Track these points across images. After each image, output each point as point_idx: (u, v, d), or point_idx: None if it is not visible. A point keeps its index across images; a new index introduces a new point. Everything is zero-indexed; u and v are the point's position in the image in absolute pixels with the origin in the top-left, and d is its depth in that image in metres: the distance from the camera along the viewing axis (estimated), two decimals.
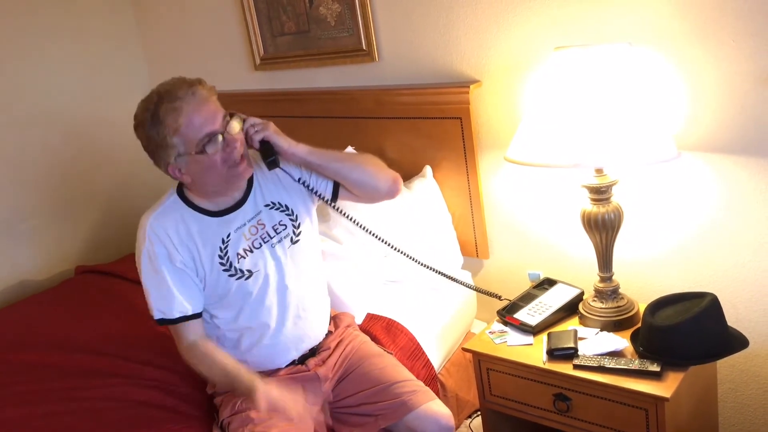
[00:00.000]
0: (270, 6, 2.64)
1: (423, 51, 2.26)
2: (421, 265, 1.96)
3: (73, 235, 3.07)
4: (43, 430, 1.71)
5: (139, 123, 1.55)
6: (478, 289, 2.13)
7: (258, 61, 2.78)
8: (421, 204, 2.23)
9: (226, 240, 1.65)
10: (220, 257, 1.65)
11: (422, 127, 2.29)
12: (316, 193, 1.74)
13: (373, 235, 1.89)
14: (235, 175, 1.60)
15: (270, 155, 1.62)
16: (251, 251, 1.68)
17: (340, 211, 1.81)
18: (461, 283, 2.05)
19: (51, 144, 2.96)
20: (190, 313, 1.65)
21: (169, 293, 1.63)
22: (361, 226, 1.87)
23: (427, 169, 2.31)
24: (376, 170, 1.74)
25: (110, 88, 3.16)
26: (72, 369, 1.97)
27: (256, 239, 1.68)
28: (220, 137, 1.54)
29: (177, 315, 1.64)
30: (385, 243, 1.90)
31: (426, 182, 2.28)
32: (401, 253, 1.94)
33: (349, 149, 2.37)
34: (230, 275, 1.66)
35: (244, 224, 1.68)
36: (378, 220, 2.03)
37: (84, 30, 3.08)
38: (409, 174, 2.36)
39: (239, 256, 1.66)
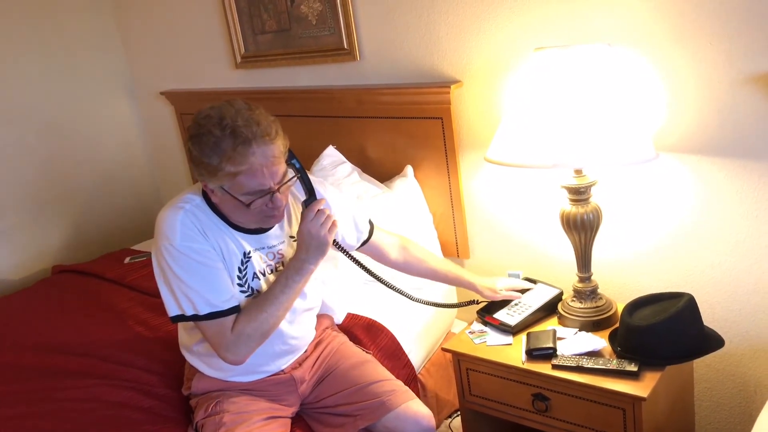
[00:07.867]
0: (251, 4, 2.62)
1: (404, 51, 2.25)
2: (395, 290, 1.83)
3: (51, 234, 3.03)
4: None
5: (198, 136, 1.43)
6: (451, 305, 2.06)
7: (239, 60, 2.76)
8: (402, 204, 2.23)
9: (247, 255, 1.60)
10: (240, 270, 1.59)
11: (403, 126, 2.29)
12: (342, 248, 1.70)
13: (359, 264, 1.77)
14: (266, 221, 1.57)
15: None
16: (264, 275, 1.63)
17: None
18: (435, 304, 1.96)
19: (28, 142, 2.92)
20: (236, 303, 1.54)
21: (220, 283, 1.52)
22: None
23: (408, 169, 2.31)
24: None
25: (90, 86, 3.11)
26: (48, 370, 1.94)
27: (270, 266, 1.64)
28: (269, 196, 1.47)
29: (229, 306, 1.52)
30: (368, 272, 1.78)
31: (407, 182, 2.28)
32: (381, 281, 1.80)
33: (331, 149, 2.37)
34: (242, 291, 1.59)
35: (263, 248, 1.63)
36: None
37: (63, 28, 3.04)
38: (390, 173, 2.36)
39: (254, 276, 1.61)
